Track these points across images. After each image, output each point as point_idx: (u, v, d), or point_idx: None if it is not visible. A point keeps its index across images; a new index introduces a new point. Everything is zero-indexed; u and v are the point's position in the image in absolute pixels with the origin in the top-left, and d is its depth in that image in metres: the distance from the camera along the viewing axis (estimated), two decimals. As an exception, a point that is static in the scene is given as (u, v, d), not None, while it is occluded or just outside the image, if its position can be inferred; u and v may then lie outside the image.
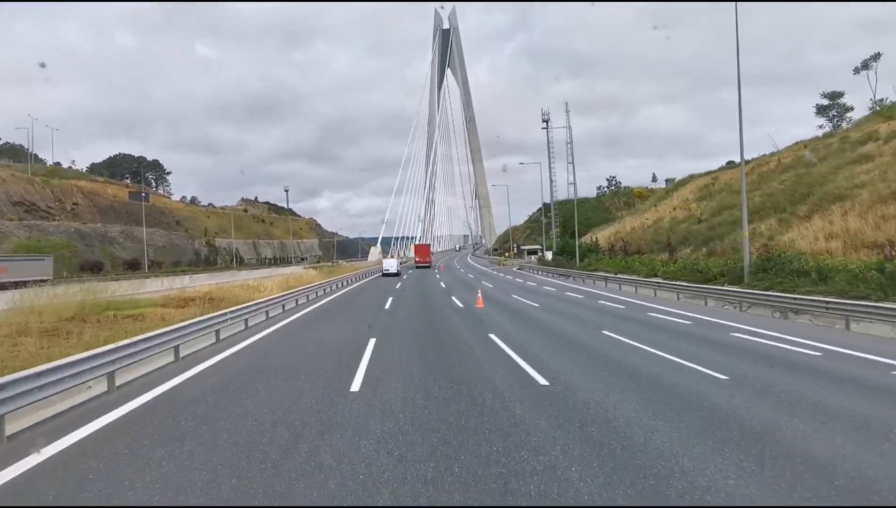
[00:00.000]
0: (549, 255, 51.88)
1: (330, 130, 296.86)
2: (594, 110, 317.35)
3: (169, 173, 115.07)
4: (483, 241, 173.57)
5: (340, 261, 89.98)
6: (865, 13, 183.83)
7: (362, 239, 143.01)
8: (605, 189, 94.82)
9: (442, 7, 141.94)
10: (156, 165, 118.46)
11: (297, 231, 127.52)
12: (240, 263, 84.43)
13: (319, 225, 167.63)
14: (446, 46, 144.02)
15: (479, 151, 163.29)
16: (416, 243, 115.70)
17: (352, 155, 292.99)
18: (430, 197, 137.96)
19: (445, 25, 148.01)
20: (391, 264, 53.97)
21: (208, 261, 73.49)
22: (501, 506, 3.84)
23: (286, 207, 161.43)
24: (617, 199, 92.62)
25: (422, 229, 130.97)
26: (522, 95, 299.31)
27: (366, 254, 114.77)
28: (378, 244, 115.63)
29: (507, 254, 67.98)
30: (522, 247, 77.44)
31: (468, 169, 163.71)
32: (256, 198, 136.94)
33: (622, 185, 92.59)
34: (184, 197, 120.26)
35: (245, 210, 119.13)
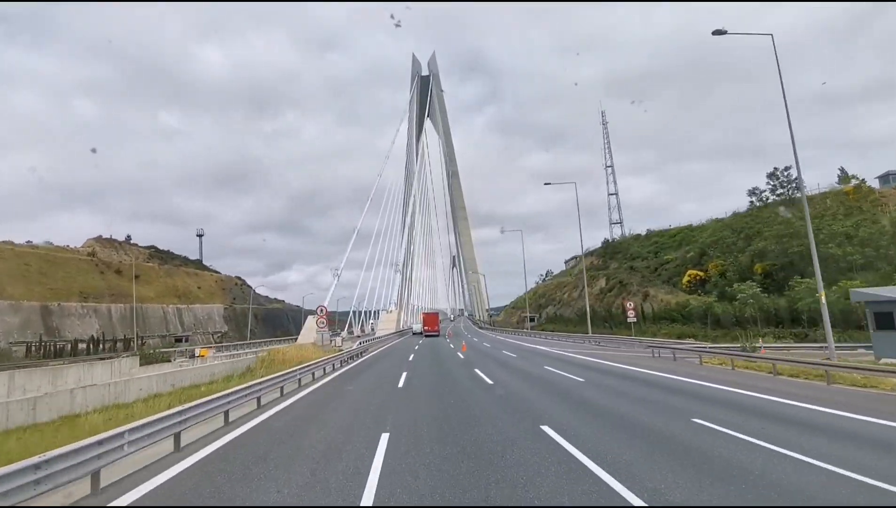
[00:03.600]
0: None
1: (300, 202, 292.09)
2: (566, 181, 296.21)
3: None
4: (468, 310, 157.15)
5: (201, 347, 38.27)
6: (817, 89, 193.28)
7: (306, 310, 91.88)
8: (761, 195, 47.00)
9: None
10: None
11: (191, 291, 75.32)
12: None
13: (248, 287, 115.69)
14: (425, 95, 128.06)
15: (463, 208, 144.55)
16: (389, 312, 75.47)
17: (322, 227, 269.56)
18: (408, 261, 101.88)
19: (424, 72, 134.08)
20: (418, 328, 65.25)
21: None
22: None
23: (199, 258, 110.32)
24: (796, 206, 43.61)
25: (398, 297, 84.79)
26: (494, 167, 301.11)
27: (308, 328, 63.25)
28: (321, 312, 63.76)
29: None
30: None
31: (450, 238, 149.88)
32: (130, 238, 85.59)
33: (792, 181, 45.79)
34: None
35: (91, 254, 66.90)
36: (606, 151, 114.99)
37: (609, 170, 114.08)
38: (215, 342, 72.92)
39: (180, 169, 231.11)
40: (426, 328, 61.56)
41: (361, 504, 5.28)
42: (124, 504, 5.48)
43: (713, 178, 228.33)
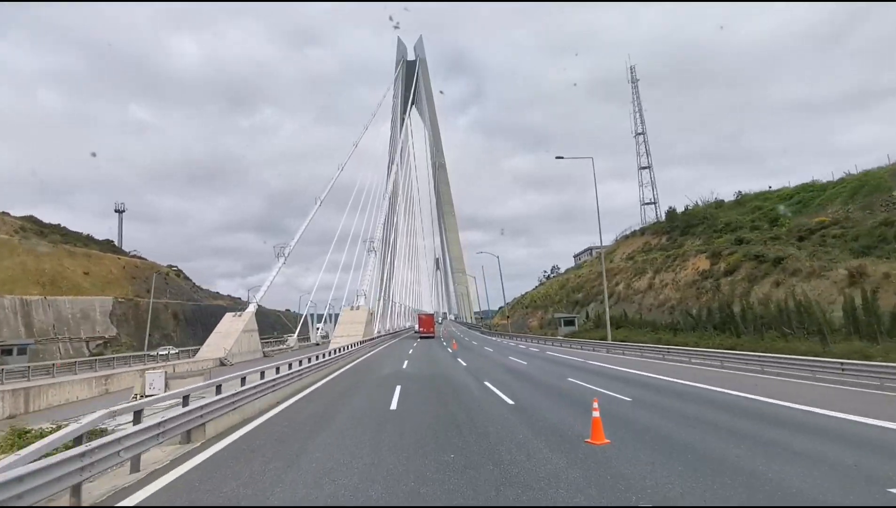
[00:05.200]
0: None
1: (279, 202, 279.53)
2: (549, 185, 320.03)
3: None
4: (454, 313, 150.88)
5: None
6: (799, 96, 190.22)
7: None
8: None
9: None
10: None
11: (67, 278, 50.61)
12: None
13: (186, 278, 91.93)
14: (411, 81, 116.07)
15: (450, 203, 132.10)
16: (355, 308, 59.05)
17: (301, 227, 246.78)
18: (388, 243, 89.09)
19: (410, 56, 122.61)
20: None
21: None
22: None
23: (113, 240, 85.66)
24: None
25: (373, 286, 63.59)
26: (478, 169, 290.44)
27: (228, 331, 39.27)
28: (249, 311, 40.01)
29: None
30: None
31: (435, 241, 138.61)
32: (-9, 204, 60.53)
33: None
34: None
35: None
36: (636, 115, 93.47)
37: (640, 138, 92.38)
38: (91, 353, 48.18)
39: (152, 165, 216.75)
40: (422, 328, 63.29)
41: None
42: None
43: (693, 183, 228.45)
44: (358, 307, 47.51)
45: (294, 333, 59.15)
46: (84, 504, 5.21)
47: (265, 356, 44.02)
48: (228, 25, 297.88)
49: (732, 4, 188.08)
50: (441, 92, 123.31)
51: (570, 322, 47.49)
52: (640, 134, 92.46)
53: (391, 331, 77.14)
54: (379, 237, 60.63)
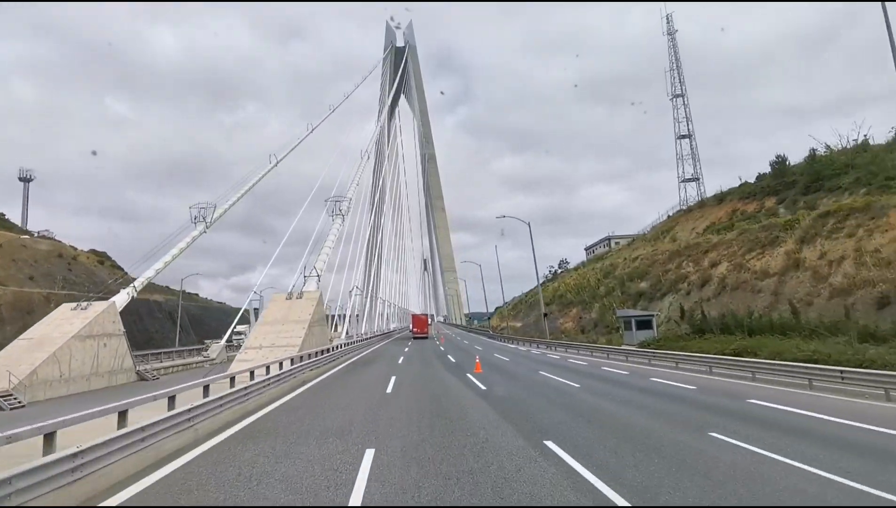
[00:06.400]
0: None
1: (261, 200, 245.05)
2: (537, 187, 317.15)
3: None
4: (443, 314, 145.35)
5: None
6: (787, 102, 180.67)
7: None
8: None
9: (396, 24, 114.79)
10: None
11: None
12: None
13: (110, 265, 73.44)
14: (399, 68, 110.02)
15: (440, 197, 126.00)
16: (294, 297, 37.29)
17: (284, 227, 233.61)
18: (373, 252, 75.40)
19: (400, 43, 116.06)
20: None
21: None
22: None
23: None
24: None
25: (351, 291, 44.08)
26: (465, 170, 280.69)
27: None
28: (110, 302, 19.61)
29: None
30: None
31: (423, 242, 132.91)
32: None
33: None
34: None
35: None
36: (674, 73, 76.55)
37: (679, 101, 75.53)
38: None
39: (130, 160, 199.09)
40: (415, 329, 60.44)
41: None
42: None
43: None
44: (300, 295, 28.05)
45: (224, 337, 40.02)
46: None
47: (142, 378, 25.50)
48: (208, 17, 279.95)
49: (729, 5, 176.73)
50: (442, 93, 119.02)
51: (644, 324, 29.80)
52: (678, 96, 75.91)
53: (379, 333, 62.51)
54: (352, 197, 41.89)
